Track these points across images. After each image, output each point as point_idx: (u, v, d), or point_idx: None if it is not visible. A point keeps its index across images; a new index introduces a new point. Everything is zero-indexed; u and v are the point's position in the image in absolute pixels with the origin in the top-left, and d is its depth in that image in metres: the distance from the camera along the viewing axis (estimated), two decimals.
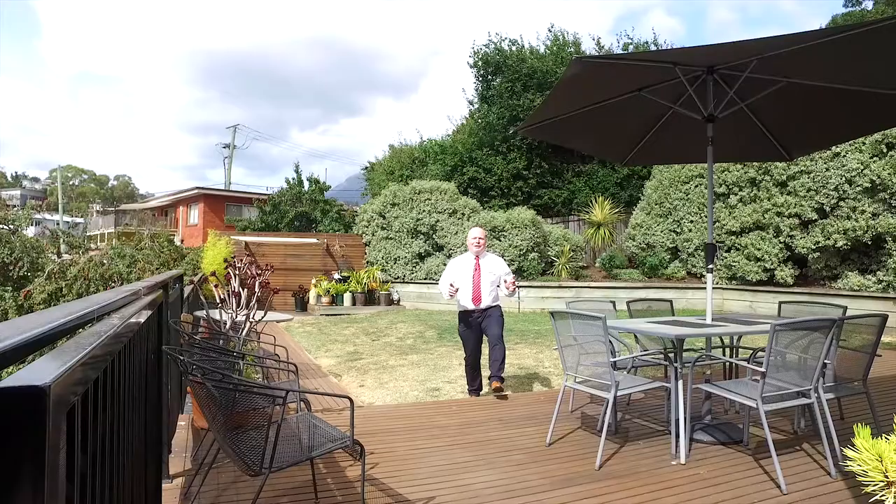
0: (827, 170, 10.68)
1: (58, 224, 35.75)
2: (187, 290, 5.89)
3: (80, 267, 9.51)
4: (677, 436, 3.64)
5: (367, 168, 25.92)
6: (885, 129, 8.59)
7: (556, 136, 5.81)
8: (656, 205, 13.87)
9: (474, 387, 5.47)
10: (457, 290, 5.24)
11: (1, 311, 9.49)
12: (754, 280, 11.74)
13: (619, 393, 3.69)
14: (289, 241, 16.39)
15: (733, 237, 12.16)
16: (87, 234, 31.79)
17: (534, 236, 13.92)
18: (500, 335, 5.28)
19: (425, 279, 14.81)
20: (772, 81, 4.11)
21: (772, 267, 11.49)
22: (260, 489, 2.49)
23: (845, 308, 4.56)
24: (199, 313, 6.07)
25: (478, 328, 5.36)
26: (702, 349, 4.53)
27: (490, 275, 5.35)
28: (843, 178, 10.43)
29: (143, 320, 1.97)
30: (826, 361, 3.49)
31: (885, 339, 5.22)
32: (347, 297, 14.65)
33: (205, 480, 3.13)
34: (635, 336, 4.73)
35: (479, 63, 20.32)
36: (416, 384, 6.45)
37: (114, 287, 8.44)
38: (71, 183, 60.97)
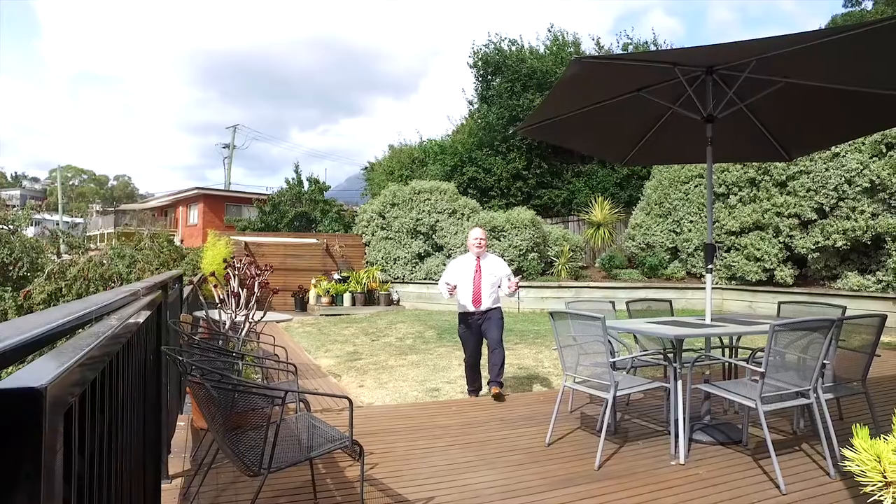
0: (826, 170, 10.69)
1: (57, 224, 35.75)
2: (187, 290, 5.89)
3: (79, 267, 9.50)
4: (676, 436, 3.64)
5: (366, 168, 25.93)
6: (884, 129, 8.60)
7: (555, 136, 5.81)
8: (656, 205, 13.88)
9: (474, 387, 5.46)
10: (454, 287, 5.22)
11: (0, 311, 9.49)
12: (754, 280, 11.74)
13: (618, 393, 3.69)
14: (288, 242, 16.39)
15: (733, 237, 12.16)
16: (87, 234, 31.78)
17: (533, 236, 13.93)
18: (499, 339, 5.25)
19: (425, 279, 14.81)
20: (771, 82, 4.11)
21: (771, 267, 11.49)
22: (259, 489, 2.49)
23: (844, 308, 4.56)
24: (198, 313, 6.07)
25: (478, 330, 5.33)
26: (701, 349, 4.53)
27: (491, 276, 5.31)
28: (843, 179, 10.43)
29: (141, 321, 1.97)
30: (825, 362, 3.49)
31: (884, 339, 5.22)
32: (347, 297, 14.66)
33: (204, 481, 3.13)
34: (635, 336, 4.73)
35: (479, 63, 20.32)
36: (415, 384, 6.46)
37: (113, 287, 8.44)
38: (71, 183, 60.97)
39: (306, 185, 22.42)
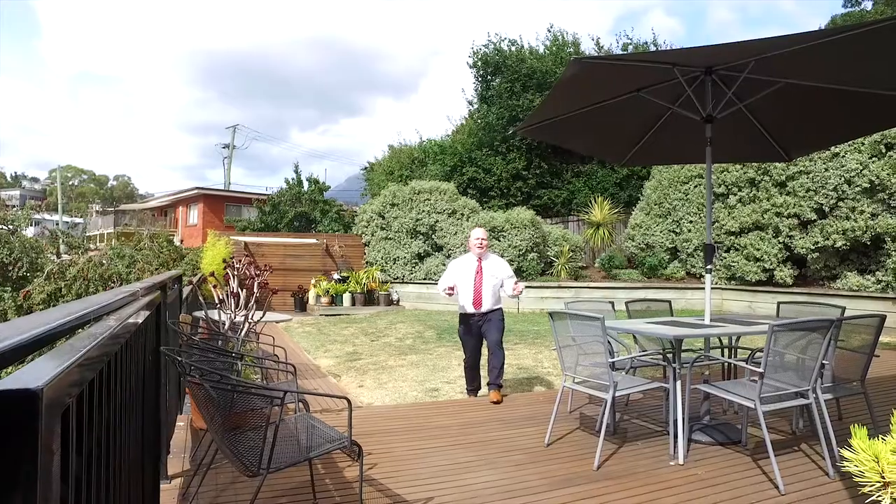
0: (826, 170, 10.69)
1: (57, 224, 35.74)
2: (186, 290, 5.89)
3: (79, 267, 9.49)
4: (676, 436, 3.64)
5: (366, 168, 25.93)
6: (883, 129, 8.60)
7: (554, 136, 5.81)
8: (655, 205, 13.88)
9: (473, 387, 5.45)
10: (453, 288, 5.19)
11: (0, 311, 9.48)
12: (753, 280, 11.74)
13: (617, 393, 3.69)
14: (288, 242, 16.39)
15: (732, 237, 12.16)
16: (87, 234, 31.80)
17: (533, 236, 13.93)
18: (499, 341, 5.21)
19: (425, 279, 14.82)
20: (770, 82, 4.11)
21: (771, 267, 11.50)
22: (258, 490, 2.49)
23: (843, 308, 4.56)
24: (197, 314, 6.07)
25: (478, 331, 5.29)
26: (700, 350, 4.53)
27: (492, 278, 5.25)
28: (842, 179, 10.43)
29: (140, 321, 1.97)
30: (824, 362, 3.49)
31: (883, 339, 5.22)
32: (347, 297, 14.66)
33: (203, 481, 3.13)
34: (634, 336, 4.73)
35: (479, 63, 20.33)
36: (415, 384, 6.46)
37: (113, 287, 8.44)
38: (70, 183, 60.98)
39: (306, 185, 22.42)
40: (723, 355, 4.85)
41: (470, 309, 5.26)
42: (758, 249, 11.61)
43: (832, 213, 10.73)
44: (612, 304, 5.10)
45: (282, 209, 21.38)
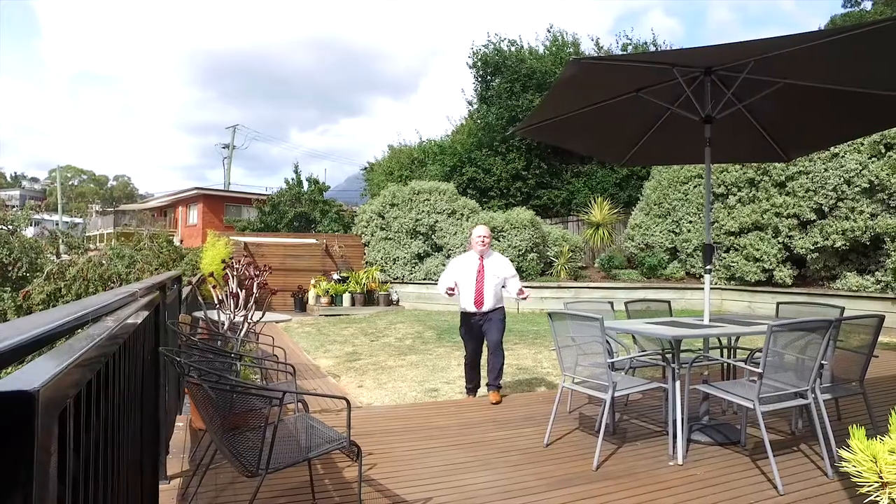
0: (825, 170, 10.70)
1: (57, 224, 35.74)
2: (186, 290, 5.90)
3: (78, 267, 9.50)
4: (675, 436, 3.64)
5: (366, 168, 25.95)
6: (883, 129, 8.61)
7: (554, 136, 5.81)
8: (655, 205, 13.89)
9: (471, 385, 5.43)
10: (454, 288, 5.15)
11: (0, 311, 9.49)
12: (753, 280, 11.75)
13: (616, 394, 3.69)
14: (288, 242, 16.40)
15: (732, 237, 12.17)
16: (87, 234, 31.80)
17: (533, 237, 13.94)
18: (499, 342, 5.16)
19: (424, 280, 14.82)
20: (769, 83, 4.12)
21: (770, 267, 11.50)
22: (256, 490, 2.49)
23: (843, 309, 4.56)
24: (197, 314, 6.08)
25: (479, 331, 5.23)
26: (699, 350, 4.54)
27: (494, 277, 5.17)
28: (842, 179, 10.44)
29: (139, 322, 1.97)
30: (823, 362, 3.50)
31: (882, 339, 5.23)
32: (346, 297, 14.66)
33: (202, 481, 3.13)
34: (633, 337, 4.73)
35: (479, 63, 20.35)
36: (414, 385, 6.46)
37: (113, 287, 8.44)
38: (70, 183, 60.99)
39: (306, 185, 22.43)
40: (722, 355, 4.86)
41: (471, 308, 5.20)
42: (757, 250, 11.61)
43: (832, 214, 10.74)
44: (612, 304, 5.09)
45: (281, 209, 21.39)
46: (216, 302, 5.82)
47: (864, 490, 1.72)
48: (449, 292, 5.12)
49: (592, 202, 15.88)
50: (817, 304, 5.21)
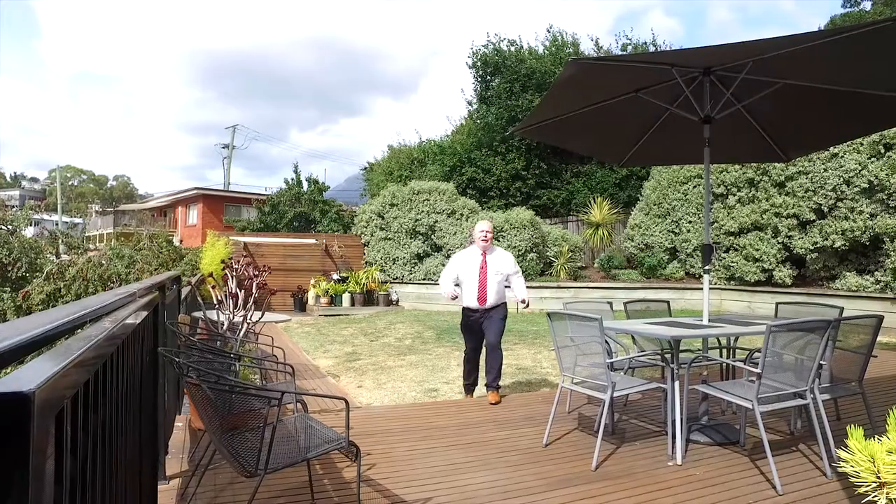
0: (825, 170, 10.70)
1: (57, 224, 35.73)
2: (185, 290, 5.90)
3: (78, 268, 9.50)
4: (674, 436, 3.64)
5: (366, 168, 25.96)
6: (882, 130, 8.61)
7: (553, 137, 5.81)
8: (655, 205, 13.89)
9: (469, 381, 5.40)
10: (457, 296, 5.14)
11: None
12: (753, 280, 11.75)
13: (615, 394, 3.70)
14: (287, 242, 16.39)
15: (732, 238, 12.17)
16: (86, 234, 31.78)
17: (532, 237, 13.94)
18: (497, 343, 5.13)
19: (424, 280, 14.82)
20: (768, 83, 4.12)
21: (770, 267, 11.50)
22: (255, 490, 2.49)
23: (842, 309, 4.56)
24: (196, 314, 6.08)
25: (479, 328, 5.20)
26: (699, 350, 4.54)
27: (497, 274, 5.12)
28: (841, 179, 10.44)
29: (138, 322, 1.97)
30: (822, 362, 3.50)
31: (882, 339, 5.23)
32: (346, 297, 14.65)
33: (201, 482, 3.13)
34: (632, 337, 4.73)
35: (478, 64, 20.34)
36: (414, 385, 6.46)
37: (112, 288, 8.44)
38: (70, 183, 60.98)
39: (305, 185, 22.43)
40: (721, 356, 4.86)
41: (473, 304, 5.15)
42: (757, 250, 11.62)
43: (831, 214, 10.74)
44: (611, 304, 5.09)
45: (281, 209, 21.38)
46: (215, 302, 5.82)
47: (861, 490, 1.72)
48: (452, 297, 5.11)
49: (592, 202, 15.88)
50: (816, 305, 5.21)
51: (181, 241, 26.49)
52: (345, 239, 16.69)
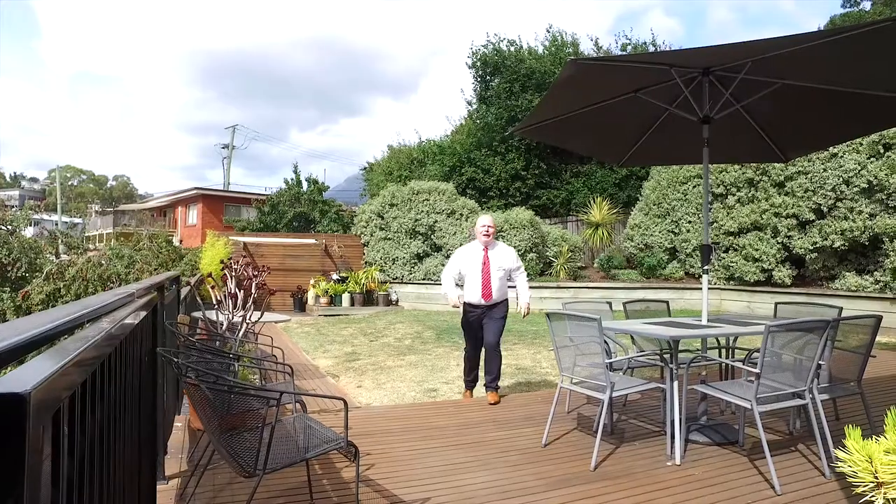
0: (824, 170, 10.70)
1: (56, 224, 35.71)
2: (185, 291, 5.90)
3: (78, 268, 9.50)
4: (673, 436, 3.64)
5: (365, 168, 25.96)
6: (882, 130, 8.61)
7: (553, 137, 5.82)
8: (654, 205, 13.89)
9: (470, 378, 5.40)
10: (458, 306, 5.13)
11: None
12: (752, 280, 11.75)
13: (614, 394, 3.70)
14: (287, 242, 16.39)
15: (731, 238, 12.17)
16: (86, 234, 31.76)
17: (532, 237, 13.94)
18: (496, 343, 5.12)
19: (424, 280, 14.82)
20: (767, 83, 4.12)
21: (769, 267, 11.51)
22: (254, 490, 2.49)
23: (841, 309, 4.57)
24: (196, 314, 6.08)
25: (479, 323, 5.16)
26: (698, 350, 4.54)
27: (499, 270, 5.09)
28: (841, 179, 10.45)
29: (136, 322, 1.97)
30: (820, 363, 3.50)
31: (881, 339, 5.23)
32: (346, 297, 14.66)
33: (200, 482, 3.13)
34: (632, 337, 4.73)
35: (478, 64, 20.35)
36: (413, 385, 6.46)
37: (112, 288, 8.44)
38: (70, 183, 60.96)
39: (305, 185, 22.43)
40: (720, 356, 4.86)
41: (475, 300, 5.11)
42: (756, 250, 11.62)
43: (830, 214, 10.74)
44: (610, 304, 5.09)
45: (281, 209, 21.38)
46: (215, 302, 5.82)
47: (859, 490, 1.73)
48: (454, 306, 5.12)
49: (592, 202, 15.88)
50: (816, 305, 5.21)
51: (181, 242, 26.49)
52: (344, 239, 16.69)
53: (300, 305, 14.98)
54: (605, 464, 3.59)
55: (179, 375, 2.87)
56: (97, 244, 26.19)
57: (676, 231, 13.41)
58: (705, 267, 4.34)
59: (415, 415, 4.88)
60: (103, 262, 10.49)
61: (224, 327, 5.49)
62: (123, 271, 10.15)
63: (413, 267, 15.24)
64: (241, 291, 5.66)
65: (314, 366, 7.64)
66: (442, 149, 20.64)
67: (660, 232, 13.68)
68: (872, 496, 1.70)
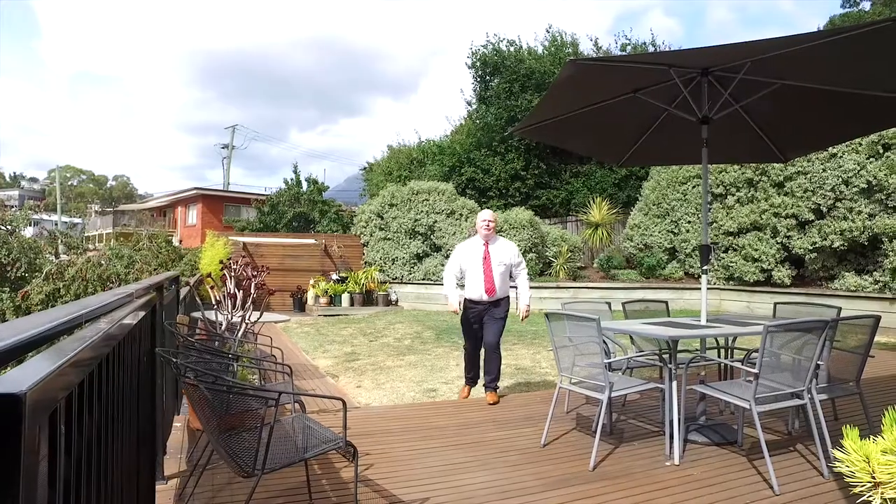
0: (824, 170, 10.71)
1: (56, 224, 35.70)
2: (184, 291, 5.90)
3: (77, 268, 9.50)
4: (672, 436, 3.65)
5: (365, 169, 25.97)
6: (881, 130, 8.62)
7: (552, 137, 5.82)
8: (654, 205, 13.90)
9: (471, 375, 5.39)
10: (460, 310, 5.12)
11: None
12: (752, 280, 11.76)
13: (613, 394, 3.70)
14: (287, 242, 16.39)
15: (731, 238, 12.18)
16: (86, 234, 31.78)
17: (532, 237, 13.94)
18: (496, 344, 5.11)
19: (423, 280, 14.82)
20: (766, 83, 4.12)
21: (769, 267, 11.51)
22: (253, 490, 2.49)
23: (840, 309, 4.57)
24: (195, 314, 6.08)
25: (479, 325, 5.15)
26: (696, 350, 4.54)
27: (500, 265, 5.05)
28: (840, 179, 10.45)
29: (135, 322, 1.97)
30: (819, 363, 3.50)
31: (880, 339, 5.23)
32: (345, 297, 14.65)
33: (199, 482, 3.13)
34: (631, 337, 4.74)
35: (478, 64, 20.35)
36: (412, 385, 6.46)
37: (112, 288, 8.45)
38: (69, 183, 60.96)
39: (305, 185, 22.42)
40: (719, 356, 4.86)
41: (477, 296, 5.08)
42: (756, 250, 11.62)
43: (830, 214, 10.75)
44: (609, 304, 5.09)
45: (280, 209, 21.38)
46: (214, 303, 5.82)
47: (856, 490, 1.73)
48: (454, 311, 5.11)
49: (591, 202, 15.88)
50: (815, 305, 5.21)
51: (180, 242, 26.48)
52: (344, 239, 16.69)
53: (300, 305, 14.98)
54: (604, 464, 3.60)
55: (178, 375, 2.87)
56: (97, 244, 26.20)
57: (676, 231, 13.42)
58: (704, 267, 4.35)
59: (414, 415, 4.88)
60: (103, 262, 10.49)
61: (223, 327, 5.49)
62: (123, 271, 10.15)
63: (413, 267, 15.24)
64: (241, 291, 5.66)
65: (313, 366, 7.64)
66: (441, 149, 20.64)
67: (659, 232, 13.69)
68: (870, 496, 1.70)
